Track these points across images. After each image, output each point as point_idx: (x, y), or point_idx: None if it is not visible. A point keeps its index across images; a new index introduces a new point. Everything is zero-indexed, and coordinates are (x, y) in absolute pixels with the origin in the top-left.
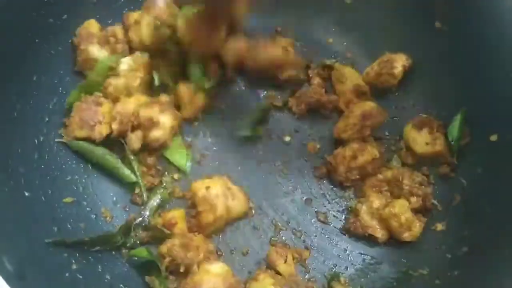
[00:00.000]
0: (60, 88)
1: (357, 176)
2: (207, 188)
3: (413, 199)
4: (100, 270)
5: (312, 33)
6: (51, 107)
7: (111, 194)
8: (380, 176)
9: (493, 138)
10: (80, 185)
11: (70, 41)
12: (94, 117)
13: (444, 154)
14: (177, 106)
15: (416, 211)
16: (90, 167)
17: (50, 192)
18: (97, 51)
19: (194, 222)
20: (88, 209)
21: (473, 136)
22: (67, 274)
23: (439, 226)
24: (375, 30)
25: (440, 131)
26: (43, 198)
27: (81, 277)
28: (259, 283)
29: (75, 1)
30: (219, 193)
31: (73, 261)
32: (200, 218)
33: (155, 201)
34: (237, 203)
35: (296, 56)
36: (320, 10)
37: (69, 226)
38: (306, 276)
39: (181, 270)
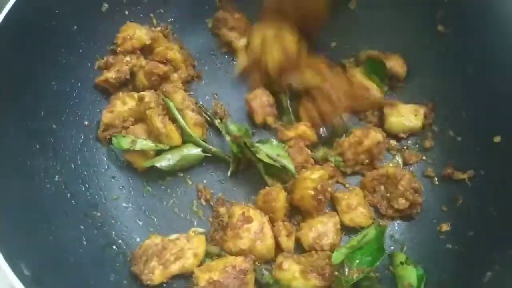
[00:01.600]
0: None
1: (366, 161)
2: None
3: (402, 201)
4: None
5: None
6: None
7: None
8: (382, 170)
9: (497, 139)
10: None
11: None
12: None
13: None
14: None
15: (399, 212)
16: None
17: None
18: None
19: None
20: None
21: (476, 138)
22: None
23: (444, 227)
24: (378, 34)
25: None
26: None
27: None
28: (286, 272)
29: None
30: (252, 229)
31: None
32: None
33: None
34: (264, 247)
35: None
36: None
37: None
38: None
39: None
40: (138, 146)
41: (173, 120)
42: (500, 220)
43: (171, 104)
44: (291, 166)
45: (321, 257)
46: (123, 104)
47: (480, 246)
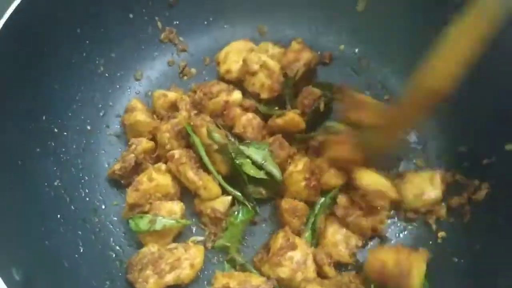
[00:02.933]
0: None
1: None
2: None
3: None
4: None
5: (323, 40)
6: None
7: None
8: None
9: (509, 147)
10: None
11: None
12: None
13: None
14: None
15: None
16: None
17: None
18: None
19: None
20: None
21: (489, 145)
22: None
23: (450, 239)
24: (386, 37)
25: None
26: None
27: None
28: None
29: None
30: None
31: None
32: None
33: None
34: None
35: None
36: (332, 17)
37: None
38: None
39: None
40: (158, 226)
41: (208, 171)
42: (509, 237)
43: (197, 140)
44: (277, 173)
45: (345, 276)
46: (149, 181)
47: (485, 261)
